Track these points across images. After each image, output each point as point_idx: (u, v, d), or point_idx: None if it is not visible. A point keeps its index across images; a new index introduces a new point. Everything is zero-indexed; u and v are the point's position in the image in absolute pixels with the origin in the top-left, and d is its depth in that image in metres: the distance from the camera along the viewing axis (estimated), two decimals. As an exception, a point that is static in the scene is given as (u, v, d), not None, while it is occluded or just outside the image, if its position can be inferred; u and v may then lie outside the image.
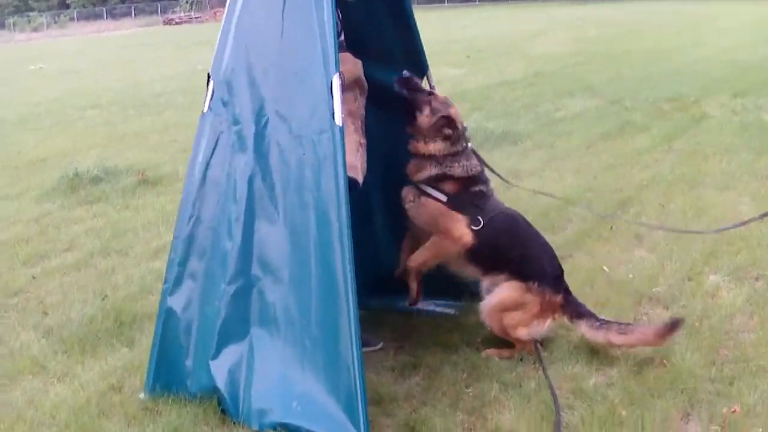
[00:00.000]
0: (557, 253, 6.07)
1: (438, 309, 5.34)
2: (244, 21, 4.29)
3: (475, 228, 4.52)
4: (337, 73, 3.89)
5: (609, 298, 5.36)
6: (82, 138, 13.43)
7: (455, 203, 4.56)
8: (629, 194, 7.86)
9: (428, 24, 38.00)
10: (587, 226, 6.92)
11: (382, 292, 5.33)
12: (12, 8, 79.53)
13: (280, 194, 4.07)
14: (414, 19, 4.86)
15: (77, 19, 71.92)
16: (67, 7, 78.14)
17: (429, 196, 4.60)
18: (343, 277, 3.79)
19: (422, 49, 4.94)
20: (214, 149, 4.30)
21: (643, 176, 8.51)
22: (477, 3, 67.25)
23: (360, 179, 4.57)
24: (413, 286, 4.85)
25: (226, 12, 4.35)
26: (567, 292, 4.66)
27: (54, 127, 14.98)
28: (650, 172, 8.69)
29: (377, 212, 5.28)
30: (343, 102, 4.60)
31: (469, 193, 4.58)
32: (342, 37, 4.75)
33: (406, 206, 4.73)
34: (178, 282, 4.32)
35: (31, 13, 73.12)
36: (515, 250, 4.61)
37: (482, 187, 4.64)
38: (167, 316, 4.31)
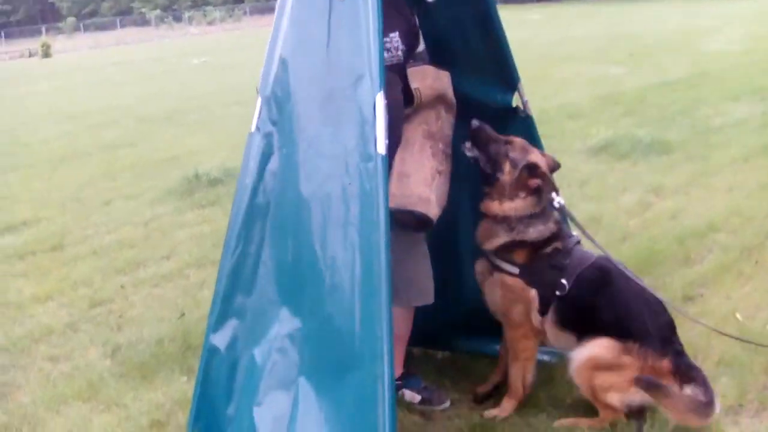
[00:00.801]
0: (690, 288, 5.35)
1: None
2: (291, 31, 3.75)
3: (559, 294, 3.84)
4: (381, 92, 3.27)
5: (736, 356, 4.48)
6: (218, 136, 13.28)
7: (529, 275, 3.89)
8: (785, 221, 6.78)
9: (598, 18, 37.32)
10: (728, 258, 5.98)
11: (471, 331, 4.73)
12: (190, 2, 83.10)
13: (320, 228, 3.52)
14: (501, 26, 4.16)
15: (249, 13, 73.92)
16: (242, 1, 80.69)
17: (501, 270, 3.94)
18: (383, 341, 3.20)
19: (512, 59, 4.25)
20: (262, 174, 3.79)
21: (804, 200, 7.38)
22: (654, -4, 64.61)
23: (434, 213, 3.94)
24: (511, 408, 4.14)
25: (274, 21, 3.83)
26: (678, 354, 3.84)
27: (196, 123, 14.99)
28: (813, 193, 7.54)
29: (464, 242, 4.58)
30: (419, 122, 4.02)
31: (543, 257, 3.89)
32: (421, 47, 4.16)
33: (479, 281, 4.12)
34: (221, 319, 3.87)
35: (206, 7, 75.72)
36: (612, 308, 3.85)
37: (558, 244, 3.91)
38: (210, 355, 3.89)
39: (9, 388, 4.93)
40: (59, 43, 60.79)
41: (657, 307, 3.90)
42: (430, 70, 4.07)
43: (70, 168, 11.82)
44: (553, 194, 3.93)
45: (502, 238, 3.89)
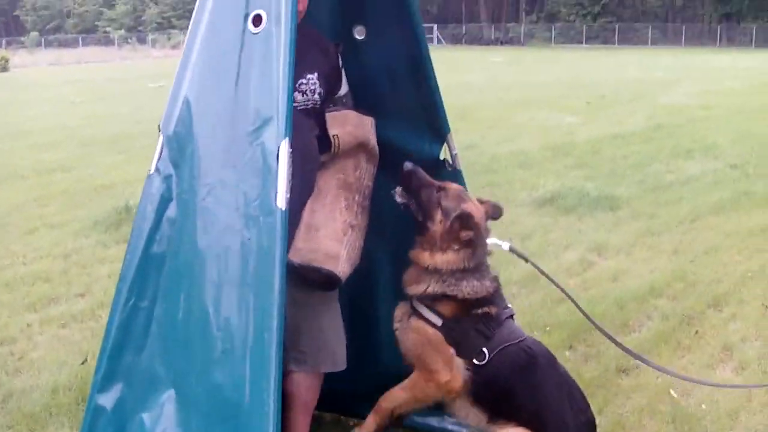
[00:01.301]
0: (626, 359, 5.08)
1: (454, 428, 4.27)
2: (200, 64, 3.42)
3: (477, 363, 3.49)
4: (285, 139, 2.94)
5: (667, 437, 4.20)
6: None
7: (452, 330, 3.53)
8: (728, 288, 6.54)
9: (559, 63, 37.57)
10: (668, 326, 5.72)
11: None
12: (155, 25, 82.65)
13: (215, 286, 3.16)
14: (433, 71, 3.86)
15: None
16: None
17: (420, 317, 3.58)
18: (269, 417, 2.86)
19: (443, 109, 3.94)
20: (159, 220, 3.43)
21: (749, 265, 7.14)
22: (617, 46, 65.49)
23: (343, 271, 3.61)
24: (370, 428, 3.79)
25: (183, 51, 3.49)
26: None
27: (140, 149, 14.52)
28: (760, 260, 7.31)
29: (383, 303, 4.25)
30: (336, 171, 3.71)
31: (471, 318, 3.54)
32: (344, 90, 3.83)
33: (395, 326, 3.74)
34: (108, 378, 3.49)
35: (172, 31, 75.20)
36: (531, 396, 3.49)
37: (490, 309, 3.57)
38: (95, 416, 3.49)
39: None
40: (19, 57, 59.86)
41: (581, 404, 3.58)
42: (351, 115, 3.75)
43: (1, 190, 11.33)
44: (495, 240, 3.64)
45: (430, 286, 3.55)
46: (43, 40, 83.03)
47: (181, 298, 3.29)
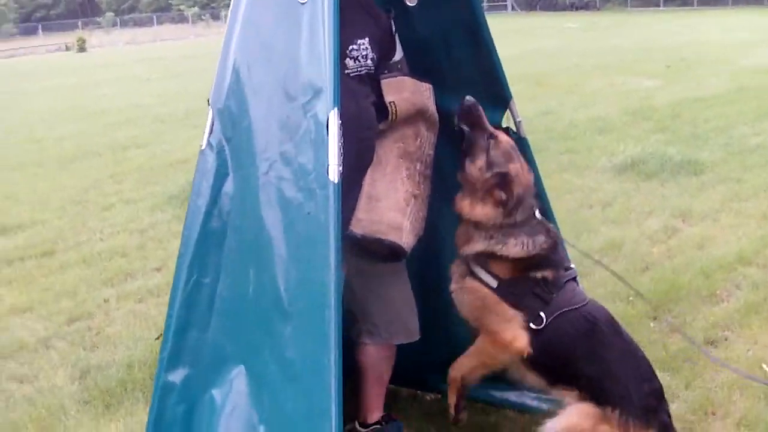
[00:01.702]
0: (713, 330, 4.88)
1: (533, 403, 4.13)
2: (246, 36, 3.30)
3: (534, 327, 3.29)
4: (334, 110, 2.82)
5: (760, 415, 3.97)
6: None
7: (508, 292, 3.33)
8: (826, 256, 6.18)
9: (635, 28, 36.64)
10: (758, 296, 5.42)
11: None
12: (228, 1, 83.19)
13: (283, 261, 3.07)
14: (490, 35, 3.66)
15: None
16: None
17: (476, 278, 3.40)
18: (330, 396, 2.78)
19: (503, 74, 3.75)
20: (217, 196, 3.34)
21: None
22: (695, 7, 63.63)
23: (407, 242, 3.50)
24: (452, 401, 3.63)
25: (228, 22, 3.37)
26: (665, 427, 3.27)
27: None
28: None
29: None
30: (395, 140, 3.57)
31: (528, 280, 3.33)
32: (398, 56, 3.67)
33: (452, 287, 3.55)
34: (175, 355, 3.41)
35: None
36: (591, 363, 3.29)
37: (548, 273, 3.35)
38: (164, 393, 3.43)
39: (-35, 410, 4.59)
40: (96, 38, 61.16)
41: (645, 372, 3.35)
42: (408, 81, 3.59)
43: (78, 168, 11.53)
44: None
45: (479, 245, 3.36)
46: (118, 20, 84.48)
47: (251, 273, 3.20)
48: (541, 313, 3.28)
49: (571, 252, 6.11)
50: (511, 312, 3.30)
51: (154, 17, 79.73)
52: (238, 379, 3.23)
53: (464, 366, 3.51)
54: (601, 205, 7.86)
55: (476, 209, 3.33)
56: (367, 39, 3.48)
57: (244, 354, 3.22)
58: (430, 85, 3.68)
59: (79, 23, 75.26)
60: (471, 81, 3.80)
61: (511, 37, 36.10)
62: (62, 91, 23.97)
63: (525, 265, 3.32)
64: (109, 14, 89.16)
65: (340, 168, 2.83)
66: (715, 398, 4.18)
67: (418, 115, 3.60)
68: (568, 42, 30.61)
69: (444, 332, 4.03)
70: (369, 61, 3.50)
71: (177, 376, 3.41)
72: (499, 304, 3.32)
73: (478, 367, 3.47)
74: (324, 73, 2.89)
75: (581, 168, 9.50)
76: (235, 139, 3.28)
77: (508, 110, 3.90)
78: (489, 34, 3.68)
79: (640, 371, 3.33)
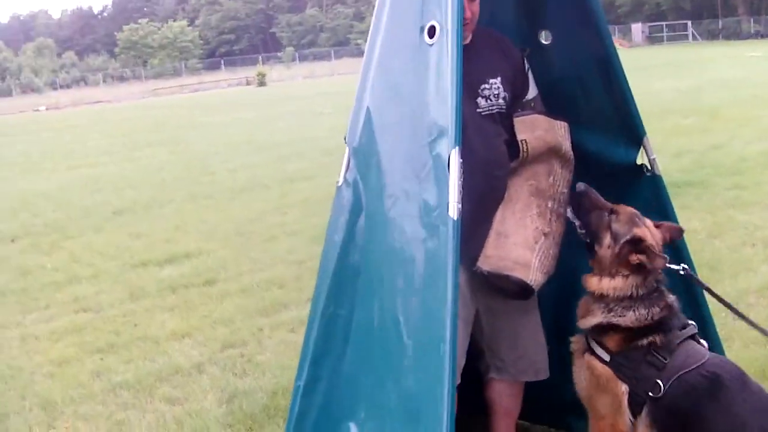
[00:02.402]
0: None
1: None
2: (378, 78, 3.45)
3: (653, 395, 3.22)
4: (455, 149, 2.87)
5: None
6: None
7: (621, 365, 3.29)
8: None
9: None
10: None
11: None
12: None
13: (403, 295, 3.18)
14: (623, 73, 3.62)
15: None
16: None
17: (592, 352, 3.38)
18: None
19: (636, 110, 3.70)
20: (353, 230, 3.50)
21: None
22: None
23: (535, 280, 3.50)
24: None
25: (363, 66, 3.52)
26: None
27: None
28: None
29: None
30: (527, 177, 3.60)
31: (639, 349, 3.28)
32: (533, 94, 3.70)
33: (573, 363, 3.54)
34: (312, 383, 3.58)
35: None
36: (721, 422, 3.16)
37: (656, 338, 3.28)
38: (300, 419, 3.59)
39: (122, 427, 4.95)
40: (276, 72, 63.57)
41: None
42: (540, 119, 3.61)
43: (246, 200, 12.04)
44: (670, 265, 3.36)
45: (596, 318, 3.35)
46: (297, 54, 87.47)
47: (375, 306, 3.33)
48: (658, 381, 3.22)
49: (722, 293, 5.95)
50: (623, 389, 3.27)
51: (332, 52, 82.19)
52: (372, 408, 3.33)
53: None
54: (764, 243, 7.53)
55: (603, 283, 3.34)
56: (499, 78, 3.54)
57: (373, 384, 3.32)
58: (566, 123, 3.69)
59: (260, 58, 78.47)
60: (605, 118, 3.80)
61: (689, 67, 35.10)
62: (239, 124, 25.06)
63: (634, 334, 3.29)
64: (289, 49, 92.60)
65: (460, 205, 2.88)
66: None
67: (551, 153, 3.62)
68: (749, 72, 29.37)
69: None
70: (501, 100, 3.55)
71: (313, 404, 3.56)
72: (612, 380, 3.30)
73: None
74: (448, 113, 2.96)
75: (748, 204, 9.13)
76: (367, 176, 3.42)
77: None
78: (621, 70, 3.64)
79: None
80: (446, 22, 3.00)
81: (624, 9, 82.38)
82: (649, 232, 3.35)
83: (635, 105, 3.67)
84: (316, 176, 13.34)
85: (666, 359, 3.24)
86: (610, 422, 3.33)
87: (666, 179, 9.97)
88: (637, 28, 74.88)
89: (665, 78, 28.93)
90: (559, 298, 3.89)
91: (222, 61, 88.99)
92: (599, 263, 3.37)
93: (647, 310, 3.28)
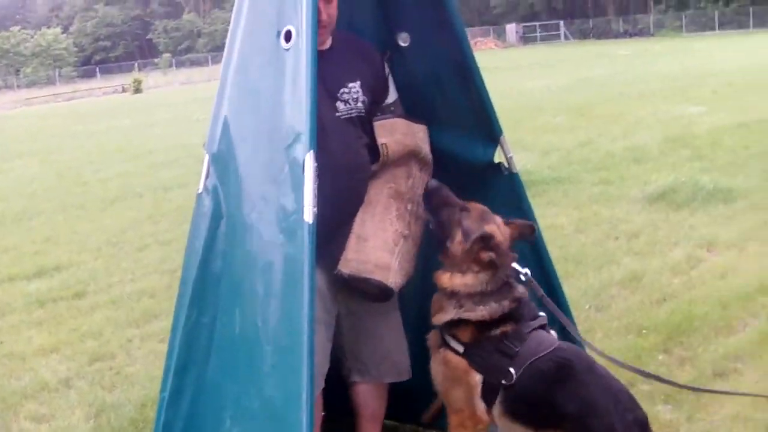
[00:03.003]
0: (724, 362, 4.89)
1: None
2: (236, 83, 3.44)
3: (506, 383, 3.31)
4: (310, 152, 2.88)
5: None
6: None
7: (474, 356, 3.37)
8: None
9: (688, 54, 36.32)
10: (776, 328, 5.35)
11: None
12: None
13: (262, 301, 3.17)
14: (480, 74, 3.69)
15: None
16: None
17: (447, 346, 3.45)
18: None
19: (493, 110, 3.77)
20: (213, 237, 3.46)
21: None
22: (751, 29, 62.79)
23: (395, 282, 3.54)
24: None
25: (221, 71, 3.52)
26: None
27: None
28: None
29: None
30: (386, 180, 3.64)
31: (490, 339, 3.37)
32: (392, 98, 3.75)
33: (431, 353, 3.60)
34: (177, 394, 3.52)
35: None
36: (571, 404, 3.28)
37: (508, 327, 3.37)
38: (165, 430, 3.53)
39: (-17, 449, 4.74)
40: (153, 79, 62.43)
41: (627, 403, 3.33)
42: (400, 123, 3.66)
43: (119, 209, 11.78)
44: (516, 266, 3.45)
45: (449, 314, 3.41)
46: (174, 60, 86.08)
47: (237, 312, 3.30)
48: (510, 369, 3.30)
49: (585, 286, 6.14)
50: (477, 379, 3.34)
51: (210, 57, 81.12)
52: (235, 417, 3.27)
53: None
54: (627, 236, 7.82)
55: (455, 280, 3.39)
56: (358, 82, 3.57)
57: (238, 392, 3.28)
58: (425, 126, 3.75)
59: (137, 65, 76.88)
60: (463, 118, 3.86)
61: (562, 66, 36.10)
62: (113, 132, 24.48)
63: (486, 326, 3.36)
64: (166, 55, 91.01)
65: (315, 209, 2.87)
66: (716, 431, 4.14)
67: (410, 156, 3.67)
68: (618, 70, 30.45)
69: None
70: (360, 104, 3.58)
71: (178, 415, 3.50)
72: (466, 372, 3.36)
73: None
74: (303, 117, 2.96)
75: (613, 199, 9.46)
76: (227, 182, 3.39)
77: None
78: (478, 71, 3.71)
79: (622, 403, 3.31)
80: (301, 25, 3.01)
81: (498, 10, 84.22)
82: (499, 229, 3.43)
83: (491, 104, 3.75)
84: (191, 184, 13.07)
85: (517, 347, 3.32)
86: (467, 414, 3.41)
87: (535, 176, 10.36)
88: (511, 29, 76.60)
89: (537, 77, 29.73)
90: (422, 296, 3.92)
91: (97, 69, 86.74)
92: (450, 259, 3.43)
93: (498, 304, 3.35)
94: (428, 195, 3.53)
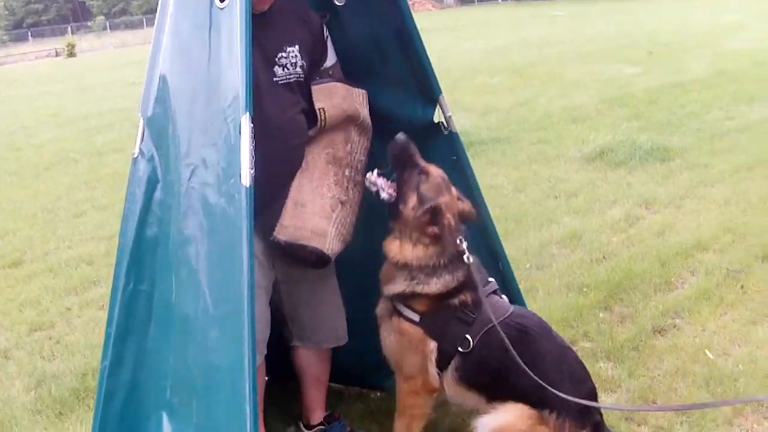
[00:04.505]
0: (663, 318, 4.96)
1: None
2: (172, 44, 3.31)
3: (462, 350, 3.33)
4: (246, 115, 2.80)
5: (697, 401, 4.01)
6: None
7: (431, 324, 3.37)
8: (782, 241, 6.21)
9: (625, 15, 36.64)
10: (711, 282, 5.46)
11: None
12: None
13: (202, 268, 3.09)
14: (419, 35, 3.65)
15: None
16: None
17: (401, 315, 3.43)
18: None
19: (432, 70, 3.74)
20: (149, 203, 3.38)
21: (805, 214, 6.81)
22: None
23: (331, 248, 3.50)
24: None
25: (154, 32, 3.40)
26: (597, 427, 3.31)
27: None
28: (817, 208, 6.97)
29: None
30: (325, 146, 3.59)
31: (448, 308, 3.37)
32: (331, 62, 3.68)
33: (379, 322, 3.59)
34: (117, 362, 3.44)
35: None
36: (524, 372, 3.23)
37: (466, 296, 3.37)
38: (107, 400, 3.46)
39: None
40: (87, 42, 61.19)
41: (580, 374, 3.39)
42: (339, 87, 3.59)
43: (54, 175, 11.52)
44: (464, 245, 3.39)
45: (401, 286, 3.40)
46: (108, 23, 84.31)
47: (174, 279, 3.23)
48: (468, 336, 3.31)
49: (526, 245, 6.19)
50: (431, 347, 3.34)
51: (144, 20, 79.51)
52: (172, 386, 3.23)
53: (402, 428, 3.56)
54: (566, 195, 7.89)
55: (406, 251, 3.37)
56: (297, 47, 3.49)
57: (176, 360, 3.23)
58: (364, 91, 3.69)
59: (70, 28, 75.08)
60: (402, 79, 3.82)
61: (498, 27, 36.16)
62: (47, 97, 23.91)
63: (443, 297, 3.35)
64: (100, 18, 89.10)
65: (253, 171, 2.81)
66: (657, 387, 4.22)
67: (348, 121, 3.61)
68: (554, 31, 30.60)
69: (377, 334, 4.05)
70: (298, 69, 3.51)
71: (119, 384, 3.44)
72: (422, 341, 3.36)
73: (416, 419, 3.52)
74: (239, 79, 2.88)
75: (551, 158, 9.53)
76: (163, 147, 3.30)
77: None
78: (416, 30, 3.66)
79: (575, 374, 3.36)
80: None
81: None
82: (453, 203, 3.40)
83: (430, 65, 3.71)
84: (126, 148, 12.74)
85: (474, 315, 3.32)
86: (419, 382, 3.42)
87: (474, 137, 10.34)
88: (448, -11, 76.39)
89: (474, 39, 29.76)
90: (362, 263, 3.86)
91: (29, 33, 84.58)
92: (402, 224, 3.40)
93: (451, 276, 3.34)
94: (396, 147, 3.45)
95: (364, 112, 3.67)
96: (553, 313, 4.86)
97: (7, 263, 7.48)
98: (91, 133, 15.04)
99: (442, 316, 3.37)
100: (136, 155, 3.42)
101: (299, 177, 3.52)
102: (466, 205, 3.50)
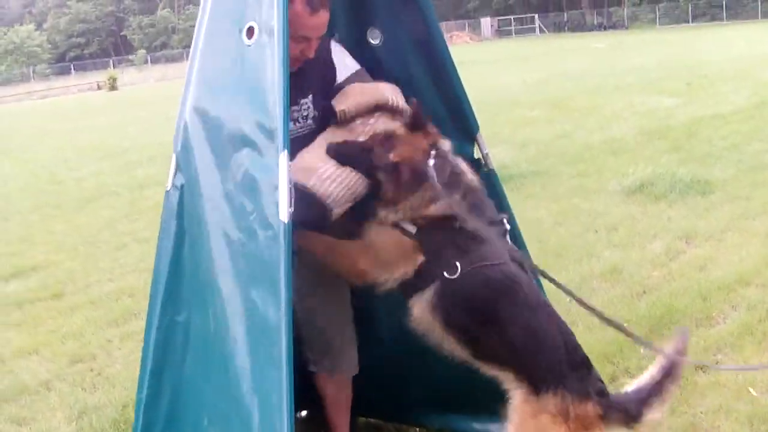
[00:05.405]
0: (705, 354, 4.90)
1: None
2: (200, 78, 3.36)
3: (447, 276, 3.11)
4: (284, 152, 2.81)
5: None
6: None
7: (427, 238, 3.18)
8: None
9: (662, 46, 36.56)
10: (754, 318, 5.36)
11: (445, 406, 4.26)
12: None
13: (231, 299, 3.09)
14: (456, 70, 3.65)
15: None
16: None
17: (397, 226, 3.25)
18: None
19: (470, 108, 3.73)
20: (182, 236, 3.41)
21: None
22: (724, 21, 63.23)
23: (320, 191, 3.26)
24: None
25: (187, 67, 3.43)
26: (602, 394, 3.06)
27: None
28: None
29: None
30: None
31: (449, 230, 3.16)
32: (343, 76, 3.62)
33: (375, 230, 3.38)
34: (155, 394, 3.47)
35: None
36: (519, 331, 3.08)
37: (467, 223, 3.14)
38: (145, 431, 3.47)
39: (-37, 453, 4.69)
40: (128, 75, 62.06)
41: (572, 341, 3.13)
42: (354, 86, 3.49)
43: (95, 208, 11.69)
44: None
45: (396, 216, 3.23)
46: (149, 57, 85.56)
47: (209, 311, 3.23)
48: (457, 263, 3.11)
49: (566, 279, 6.14)
50: (419, 260, 3.17)
51: (185, 53, 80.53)
52: (211, 418, 3.23)
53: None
54: (606, 229, 7.82)
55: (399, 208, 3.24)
56: (310, 96, 3.47)
57: (213, 391, 3.23)
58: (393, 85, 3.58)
59: (111, 62, 76.31)
60: (438, 116, 3.75)
61: (538, 60, 36.17)
62: (89, 130, 24.29)
63: (444, 219, 3.16)
64: (141, 52, 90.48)
65: (291, 209, 2.79)
66: (699, 424, 4.16)
67: (374, 111, 3.43)
68: (593, 63, 30.55)
69: (425, 369, 4.02)
70: (310, 121, 3.49)
71: (157, 417, 3.46)
72: (411, 249, 3.19)
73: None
74: (270, 116, 2.90)
75: (591, 191, 9.48)
76: (190, 180, 3.34)
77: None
78: (453, 67, 3.66)
79: (570, 341, 3.13)
80: (269, 22, 2.94)
81: (473, 4, 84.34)
82: (412, 148, 3.28)
83: (468, 102, 3.70)
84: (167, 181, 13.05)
85: (472, 246, 3.14)
86: (367, 261, 3.29)
87: (513, 170, 10.36)
88: (486, 23, 76.82)
89: (513, 71, 29.77)
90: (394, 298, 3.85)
91: (72, 66, 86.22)
92: (392, 197, 3.25)
93: (449, 198, 3.17)
94: (334, 154, 3.30)
95: (394, 98, 3.46)
96: (593, 348, 4.77)
97: (49, 295, 7.58)
98: (132, 167, 15.25)
99: (441, 234, 3.17)
100: (168, 188, 3.46)
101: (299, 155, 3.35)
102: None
